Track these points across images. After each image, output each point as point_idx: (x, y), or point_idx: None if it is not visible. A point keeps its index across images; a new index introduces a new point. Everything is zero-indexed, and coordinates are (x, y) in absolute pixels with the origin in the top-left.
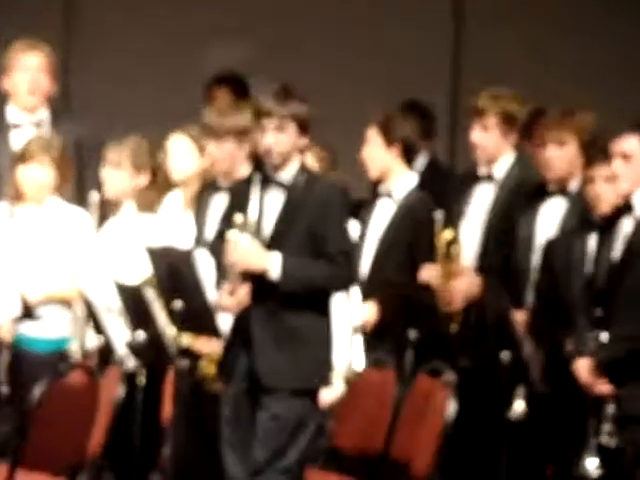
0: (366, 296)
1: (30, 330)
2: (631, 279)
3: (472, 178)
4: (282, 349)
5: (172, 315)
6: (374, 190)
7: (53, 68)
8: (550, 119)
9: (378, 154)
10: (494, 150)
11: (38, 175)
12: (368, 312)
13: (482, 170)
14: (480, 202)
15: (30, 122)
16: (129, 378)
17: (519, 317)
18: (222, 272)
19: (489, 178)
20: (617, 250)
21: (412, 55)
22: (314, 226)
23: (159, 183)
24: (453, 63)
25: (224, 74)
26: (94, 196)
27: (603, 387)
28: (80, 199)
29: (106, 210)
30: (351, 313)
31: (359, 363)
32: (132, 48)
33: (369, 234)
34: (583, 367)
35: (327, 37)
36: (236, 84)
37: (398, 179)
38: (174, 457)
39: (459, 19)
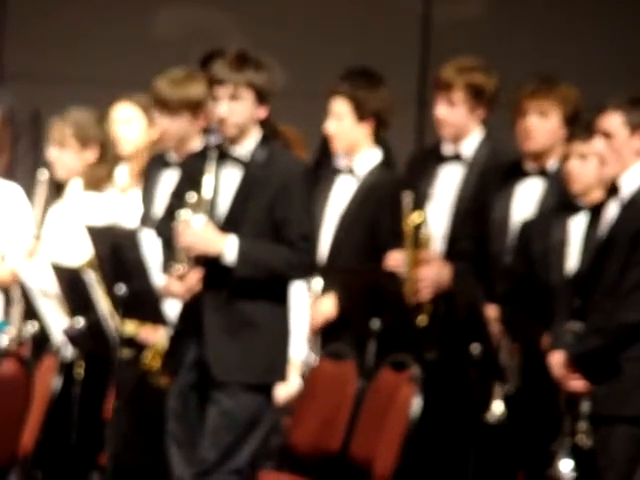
0: (325, 283)
1: None
2: (609, 267)
3: (438, 157)
4: (235, 340)
5: (114, 301)
6: (320, 163)
7: None
8: (532, 87)
9: (348, 129)
10: (461, 127)
11: None
12: (326, 306)
13: (448, 149)
14: (447, 183)
15: None
16: (66, 369)
17: (491, 312)
18: (171, 255)
19: (457, 157)
20: (599, 234)
21: (381, 23)
22: (274, 207)
23: (109, 158)
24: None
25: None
26: (43, 174)
27: (577, 383)
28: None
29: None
30: (309, 303)
31: (317, 356)
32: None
33: (327, 214)
34: (557, 361)
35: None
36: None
37: (362, 155)
38: (114, 456)
39: None
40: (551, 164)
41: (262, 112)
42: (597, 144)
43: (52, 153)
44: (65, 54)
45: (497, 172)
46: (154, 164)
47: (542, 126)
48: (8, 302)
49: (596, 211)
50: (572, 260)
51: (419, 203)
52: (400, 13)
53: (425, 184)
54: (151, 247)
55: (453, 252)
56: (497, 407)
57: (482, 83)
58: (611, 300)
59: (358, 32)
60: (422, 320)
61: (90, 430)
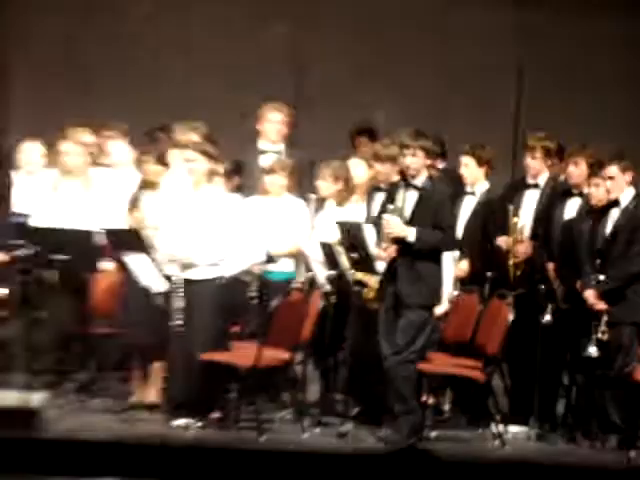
0: (461, 253)
1: (271, 268)
2: (617, 244)
3: (524, 185)
4: (414, 282)
5: (351, 261)
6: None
7: (289, 121)
8: (572, 149)
9: (475, 171)
10: (538, 169)
11: (277, 181)
12: (463, 265)
13: (530, 180)
14: (530, 200)
15: (273, 150)
16: (326, 297)
17: (551, 266)
18: (380, 237)
19: (535, 185)
20: (609, 227)
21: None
22: (435, 212)
23: (349, 188)
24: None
25: (362, 126)
26: (312, 196)
27: (601, 305)
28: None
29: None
30: (452, 264)
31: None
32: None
33: (461, 216)
34: (589, 294)
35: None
36: (370, 132)
37: (480, 184)
38: (351, 344)
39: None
40: (585, 190)
41: (429, 162)
42: (607, 182)
43: (320, 183)
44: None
45: (556, 194)
46: (372, 189)
47: (576, 171)
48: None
49: (601, 214)
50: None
51: (516, 210)
52: (496, 109)
53: (517, 199)
54: (370, 233)
55: (534, 237)
56: (547, 316)
57: (550, 147)
58: (619, 261)
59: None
60: (516, 272)
61: (339, 328)
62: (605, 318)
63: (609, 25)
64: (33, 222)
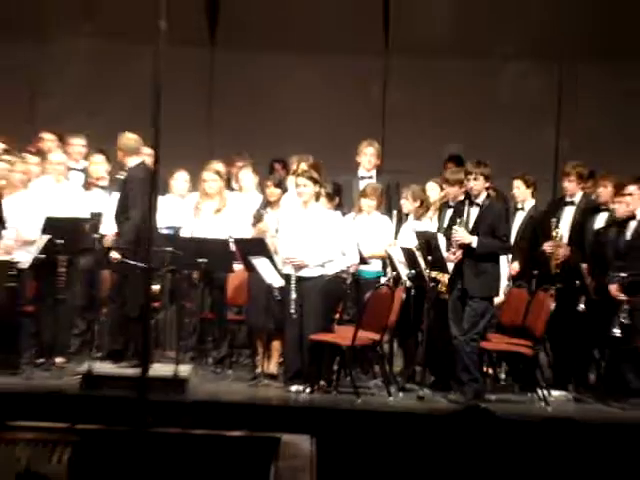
0: (514, 256)
1: (364, 268)
2: (635, 248)
3: (563, 202)
4: (477, 278)
5: (427, 262)
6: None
7: (379, 154)
8: (600, 175)
9: (523, 192)
10: (573, 191)
11: (369, 203)
12: (515, 265)
13: (568, 199)
14: (568, 214)
15: (367, 176)
16: (407, 290)
17: (584, 266)
18: (450, 244)
19: (572, 203)
20: (628, 235)
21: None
22: (492, 224)
23: (425, 205)
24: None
25: (452, 154)
26: (395, 213)
27: (622, 296)
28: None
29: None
30: (507, 265)
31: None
32: None
33: (514, 227)
34: (613, 288)
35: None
36: (458, 159)
37: (528, 202)
38: (427, 327)
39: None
40: (611, 206)
41: (487, 184)
42: (627, 198)
43: (403, 203)
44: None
45: (588, 210)
46: (444, 206)
47: (604, 192)
48: (385, 264)
49: (622, 225)
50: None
51: (557, 222)
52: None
53: (558, 214)
54: (442, 241)
55: (571, 243)
56: (581, 305)
57: (583, 172)
58: (636, 262)
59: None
60: (557, 271)
61: (417, 316)
62: (626, 306)
63: None
64: (182, 233)
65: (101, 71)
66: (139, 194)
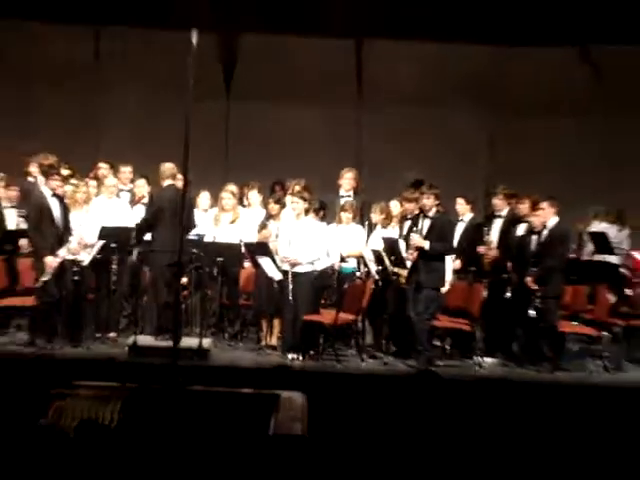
0: (456, 256)
1: (343, 265)
2: (546, 250)
3: (493, 216)
4: (428, 273)
5: (391, 261)
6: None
7: (357, 178)
8: (521, 195)
9: (464, 208)
10: (501, 207)
11: (348, 215)
12: (457, 263)
13: (497, 213)
14: (497, 225)
15: (346, 195)
16: (376, 282)
17: (509, 264)
18: (408, 247)
19: (500, 216)
20: (541, 240)
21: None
22: (440, 232)
23: (389, 218)
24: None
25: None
26: (367, 224)
27: (535, 287)
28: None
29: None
30: (451, 262)
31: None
32: None
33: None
34: (529, 280)
35: None
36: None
37: (467, 215)
38: (391, 310)
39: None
40: (529, 218)
41: (436, 202)
42: (540, 212)
43: None
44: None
45: (513, 221)
46: (403, 218)
47: (523, 207)
48: (359, 262)
49: (539, 233)
50: None
51: (488, 231)
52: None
53: (489, 224)
54: (402, 245)
55: (498, 246)
56: (508, 294)
57: (508, 193)
58: (544, 260)
59: None
60: (488, 267)
61: (383, 300)
62: (539, 294)
63: None
64: (205, 239)
65: (147, 117)
66: (151, 208)
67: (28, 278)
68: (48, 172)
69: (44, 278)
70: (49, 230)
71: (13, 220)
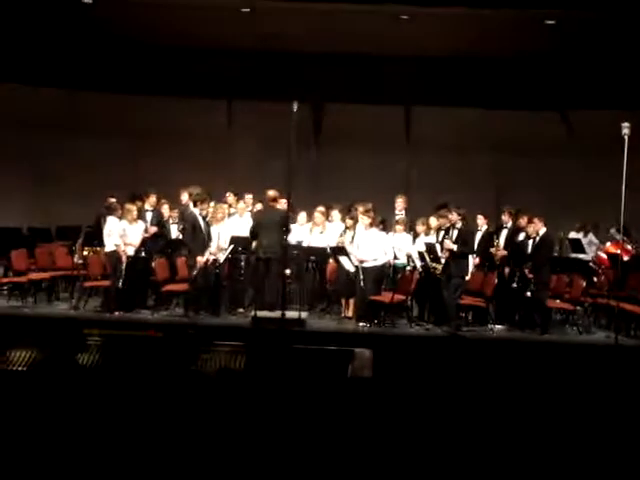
0: (475, 255)
1: (396, 261)
2: (537, 250)
3: (501, 227)
4: (456, 266)
5: (430, 258)
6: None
7: (405, 201)
8: (519, 212)
9: (481, 221)
10: (507, 221)
11: (400, 228)
12: (476, 260)
13: (504, 225)
14: (504, 233)
15: (400, 214)
16: (420, 273)
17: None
18: (442, 249)
19: (506, 227)
20: (534, 243)
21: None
22: (464, 238)
23: (429, 229)
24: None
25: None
26: (412, 233)
27: (531, 276)
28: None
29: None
30: (472, 259)
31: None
32: None
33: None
34: (526, 271)
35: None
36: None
37: (483, 227)
38: (430, 292)
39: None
40: (527, 229)
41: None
42: (533, 224)
43: None
44: None
45: (515, 230)
46: (438, 229)
47: (522, 221)
48: (408, 259)
49: (534, 238)
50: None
51: (497, 237)
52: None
53: (498, 233)
54: (438, 247)
55: (505, 248)
56: (514, 285)
57: (512, 210)
58: (536, 257)
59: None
60: (498, 262)
61: (425, 286)
62: (533, 281)
63: None
64: (303, 244)
65: (263, 160)
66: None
67: (183, 271)
68: (196, 199)
69: (194, 272)
70: (198, 239)
71: (174, 232)
